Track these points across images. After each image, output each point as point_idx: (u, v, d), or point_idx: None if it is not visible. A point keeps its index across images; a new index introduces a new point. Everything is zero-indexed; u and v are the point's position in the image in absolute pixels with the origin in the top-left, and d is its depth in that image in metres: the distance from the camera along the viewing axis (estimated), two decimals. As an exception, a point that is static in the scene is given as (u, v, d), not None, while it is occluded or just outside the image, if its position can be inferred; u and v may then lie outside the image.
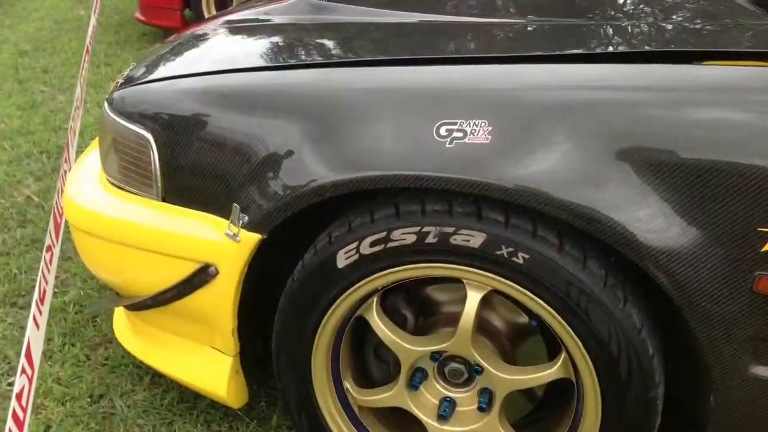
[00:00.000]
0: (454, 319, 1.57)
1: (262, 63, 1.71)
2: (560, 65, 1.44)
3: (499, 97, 1.41)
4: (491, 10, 1.93)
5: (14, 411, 1.52)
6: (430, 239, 1.44)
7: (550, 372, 1.52)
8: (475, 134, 1.38)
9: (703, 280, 1.31)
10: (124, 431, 2.01)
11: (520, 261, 1.40)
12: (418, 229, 1.45)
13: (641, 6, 1.78)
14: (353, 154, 1.47)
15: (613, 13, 1.77)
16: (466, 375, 1.62)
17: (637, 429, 1.46)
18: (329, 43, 1.79)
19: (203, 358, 1.82)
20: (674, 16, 1.72)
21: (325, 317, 1.61)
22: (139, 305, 1.86)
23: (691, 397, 1.54)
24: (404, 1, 1.98)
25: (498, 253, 1.41)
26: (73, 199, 1.90)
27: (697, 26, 1.64)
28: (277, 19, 2.00)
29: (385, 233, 1.48)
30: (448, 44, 1.69)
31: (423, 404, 1.68)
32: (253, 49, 1.85)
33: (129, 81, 1.83)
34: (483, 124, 1.38)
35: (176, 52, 1.94)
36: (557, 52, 1.50)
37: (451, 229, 1.42)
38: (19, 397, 1.55)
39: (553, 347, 1.57)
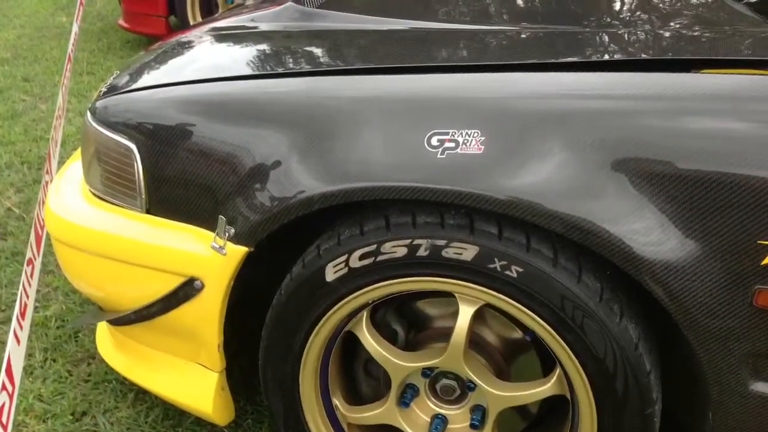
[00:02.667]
0: (445, 334, 1.54)
1: (248, 71, 1.68)
2: (555, 73, 1.41)
3: (492, 106, 1.38)
4: (483, 17, 1.91)
5: (-7, 429, 1.49)
6: (422, 252, 1.42)
7: (545, 388, 1.49)
8: (468, 144, 1.35)
9: (701, 294, 1.28)
10: (106, 449, 1.97)
11: (514, 274, 1.37)
12: (409, 241, 1.42)
13: (638, 13, 1.76)
14: (342, 164, 1.44)
15: (609, 20, 1.75)
16: (458, 391, 1.59)
17: (634, 446, 1.43)
18: (318, 51, 1.76)
19: (188, 374, 1.78)
20: (672, 23, 1.70)
21: (314, 332, 1.58)
22: (122, 320, 1.83)
23: (690, 414, 1.52)
24: (395, 8, 1.96)
25: (491, 266, 1.38)
26: (54, 210, 1.86)
27: (696, 33, 1.62)
28: (265, 27, 1.97)
29: (375, 246, 1.44)
30: (440, 52, 1.66)
31: (414, 421, 1.64)
32: (240, 57, 1.82)
33: (112, 90, 1.80)
34: (475, 134, 1.35)
35: (161, 60, 1.91)
36: (552, 60, 1.48)
37: (443, 242, 1.40)
38: (-2, 415, 1.52)
39: (548, 363, 1.54)
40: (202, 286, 1.61)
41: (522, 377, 1.60)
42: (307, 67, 1.65)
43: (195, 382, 1.77)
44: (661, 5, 1.84)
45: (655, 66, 1.39)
